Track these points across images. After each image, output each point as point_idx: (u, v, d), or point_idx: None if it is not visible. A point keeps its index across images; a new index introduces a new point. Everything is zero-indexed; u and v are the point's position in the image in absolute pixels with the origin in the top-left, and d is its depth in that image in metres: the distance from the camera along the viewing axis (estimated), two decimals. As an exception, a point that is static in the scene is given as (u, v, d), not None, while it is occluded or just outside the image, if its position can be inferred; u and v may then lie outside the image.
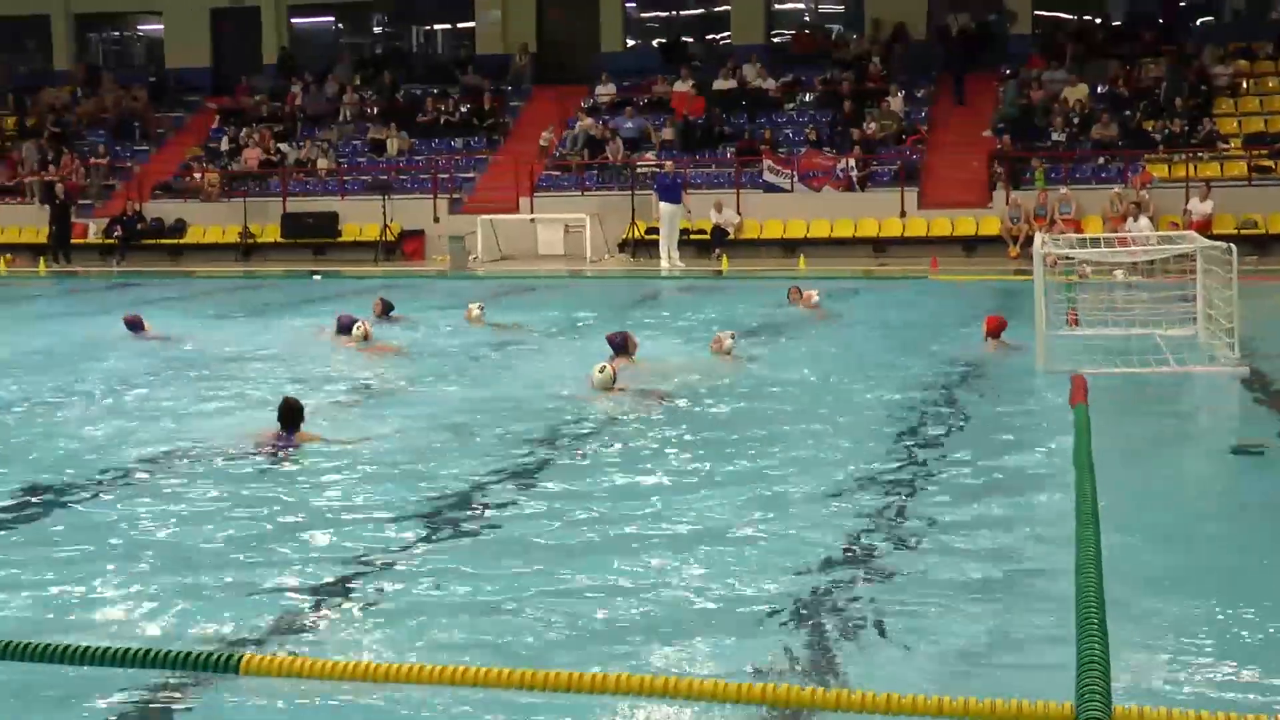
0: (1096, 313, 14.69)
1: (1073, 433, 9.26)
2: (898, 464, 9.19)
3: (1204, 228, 22.77)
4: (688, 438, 9.99)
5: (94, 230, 31.05)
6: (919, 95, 31.02)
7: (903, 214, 27.47)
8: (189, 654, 5.04)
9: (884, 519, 7.78)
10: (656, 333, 15.77)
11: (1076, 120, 28.23)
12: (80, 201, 31.32)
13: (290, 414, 9.76)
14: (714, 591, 6.42)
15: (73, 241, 30.31)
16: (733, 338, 13.78)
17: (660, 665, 5.45)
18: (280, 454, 9.47)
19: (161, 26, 38.24)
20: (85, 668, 5.18)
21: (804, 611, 6.10)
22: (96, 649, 5.14)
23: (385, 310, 16.81)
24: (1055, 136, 28.19)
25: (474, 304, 17.05)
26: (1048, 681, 4.91)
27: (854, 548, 7.14)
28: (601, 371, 11.36)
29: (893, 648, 5.71)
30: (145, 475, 9.12)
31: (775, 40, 34.53)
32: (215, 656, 4.93)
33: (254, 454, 9.51)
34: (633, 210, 27.96)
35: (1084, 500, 7.16)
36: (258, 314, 19.31)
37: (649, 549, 7.12)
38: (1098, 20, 32.88)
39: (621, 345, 12.82)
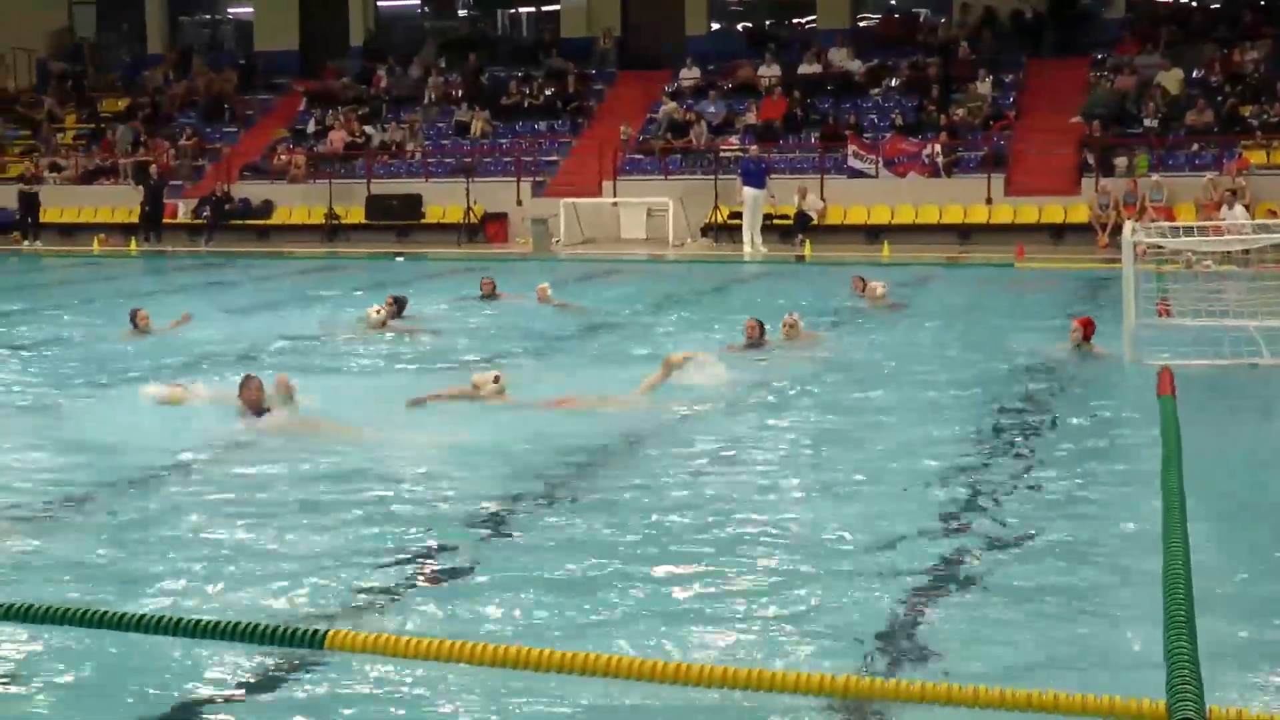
0: (1188, 303, 14.44)
1: (1160, 426, 9.14)
2: (978, 454, 9.10)
3: (1301, 216, 22.36)
4: (757, 431, 9.92)
5: (183, 210, 31.48)
6: (1007, 80, 30.67)
7: (989, 200, 27.19)
8: (276, 628, 5.08)
9: (966, 510, 7.70)
10: (739, 317, 15.70)
11: (1166, 107, 27.77)
12: (171, 182, 31.73)
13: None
14: (790, 583, 6.39)
15: (163, 221, 30.73)
16: (793, 324, 13.58)
17: (742, 656, 5.43)
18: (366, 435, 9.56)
19: (251, 10, 38.66)
20: (172, 638, 5.26)
21: (886, 605, 6.05)
22: (184, 620, 5.21)
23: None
24: (1148, 123, 27.76)
25: (543, 284, 17.20)
26: (1136, 678, 4.85)
27: (937, 540, 7.07)
28: (496, 380, 10.47)
29: (978, 642, 5.65)
30: (224, 451, 9.22)
31: (861, 24, 34.27)
32: (301, 631, 4.98)
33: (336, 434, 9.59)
34: (715, 195, 27.90)
35: (1171, 495, 7.06)
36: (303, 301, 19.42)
37: (723, 539, 7.09)
38: (1194, 3, 32.31)
39: None
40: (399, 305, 15.77)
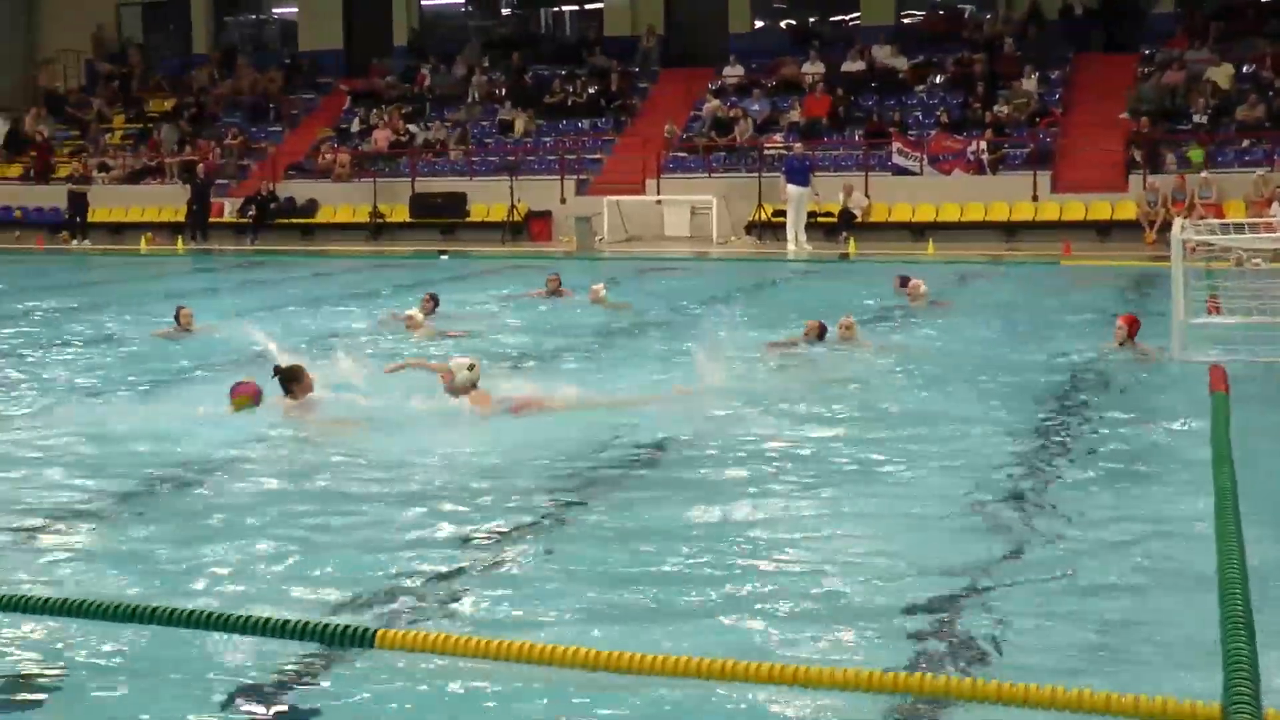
0: (1238, 300, 14.31)
1: (1210, 423, 9.05)
2: (1025, 453, 9.03)
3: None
4: (803, 429, 9.88)
5: (229, 209, 31.68)
6: (1053, 76, 30.48)
7: (1035, 198, 27.03)
8: (326, 626, 5.10)
9: (1013, 508, 7.64)
10: (780, 315, 15.68)
11: (1215, 102, 27.53)
12: (217, 181, 31.94)
13: (286, 380, 9.97)
14: (840, 580, 6.36)
15: (210, 220, 30.93)
16: (848, 327, 13.56)
17: (791, 654, 5.40)
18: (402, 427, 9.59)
19: (296, 10, 38.86)
20: (222, 634, 5.29)
21: (935, 603, 6.02)
22: (234, 616, 5.24)
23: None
24: (1196, 118, 27.52)
25: (598, 284, 17.21)
26: (1190, 679, 4.80)
27: (984, 538, 7.02)
28: (471, 369, 10.20)
29: (1028, 641, 5.61)
30: (271, 447, 9.27)
31: (905, 21, 34.13)
32: (351, 629, 4.99)
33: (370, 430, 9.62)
34: (759, 192, 27.86)
35: (1223, 493, 6.98)
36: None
37: (769, 537, 7.08)
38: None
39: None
40: (435, 303, 15.84)
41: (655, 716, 4.86)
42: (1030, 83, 29.63)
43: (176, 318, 14.59)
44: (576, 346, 14.19)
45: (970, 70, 30.53)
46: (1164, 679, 4.93)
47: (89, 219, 31.30)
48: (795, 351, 13.06)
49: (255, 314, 16.60)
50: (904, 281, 17.07)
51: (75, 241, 30.71)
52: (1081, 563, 6.59)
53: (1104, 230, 26.24)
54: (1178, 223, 13.47)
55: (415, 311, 15.02)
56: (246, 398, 9.96)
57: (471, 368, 10.20)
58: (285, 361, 10.49)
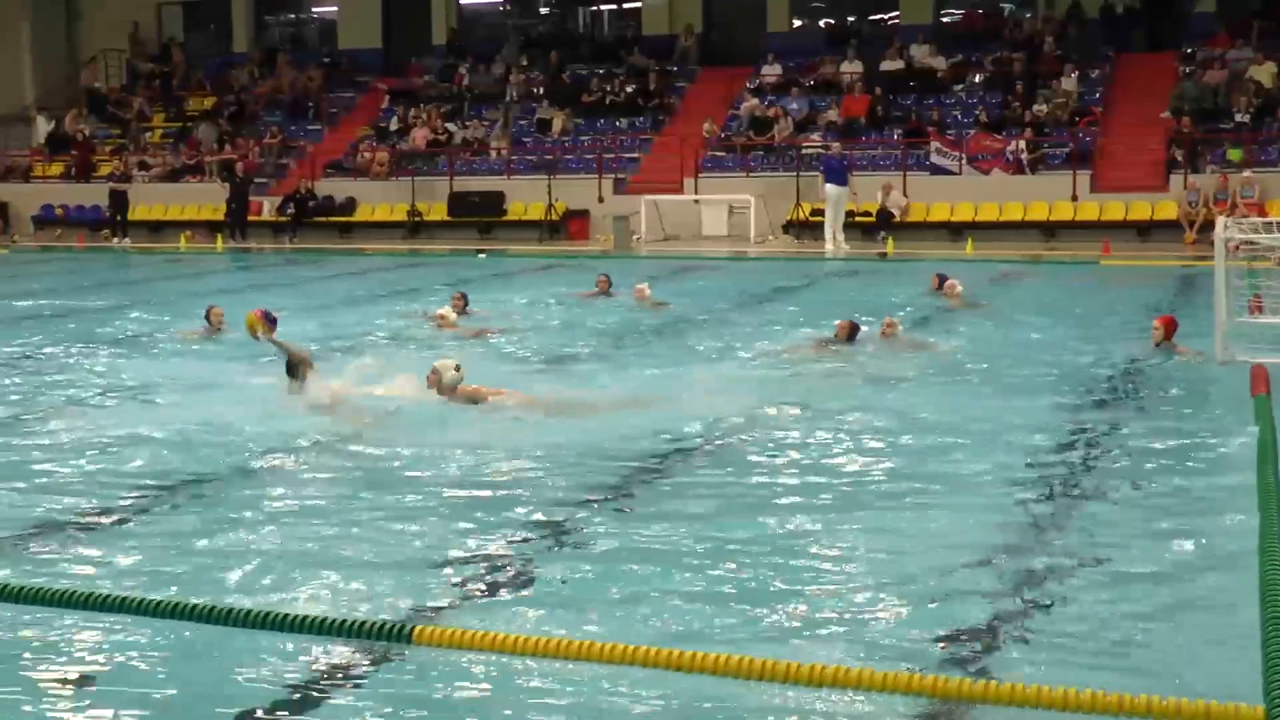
0: (1281, 300, 14.18)
1: (1255, 424, 8.99)
2: (1066, 454, 8.98)
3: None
4: (838, 430, 9.85)
5: (268, 208, 31.83)
6: (1093, 75, 30.30)
7: (1074, 197, 26.89)
8: (363, 622, 5.13)
9: (1052, 509, 7.60)
10: (822, 315, 15.65)
11: (1258, 101, 27.31)
12: (256, 180, 32.09)
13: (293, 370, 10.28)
14: (875, 580, 6.33)
15: (249, 219, 31.08)
16: (892, 325, 13.52)
17: (822, 653, 5.38)
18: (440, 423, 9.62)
19: (335, 9, 39.00)
20: (260, 631, 5.31)
21: (974, 606, 5.98)
22: (272, 614, 5.27)
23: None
24: (1239, 117, 27.31)
25: (643, 283, 17.16)
26: (1232, 683, 4.77)
27: (1023, 539, 6.98)
28: (458, 369, 10.29)
29: (1068, 644, 5.57)
30: (308, 445, 9.30)
31: (944, 20, 34.00)
32: (389, 626, 5.00)
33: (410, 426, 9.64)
34: (797, 192, 27.81)
35: (1267, 496, 6.94)
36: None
37: (803, 537, 7.06)
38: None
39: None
40: (465, 301, 15.87)
41: (689, 712, 4.85)
42: (1070, 82, 29.46)
43: (207, 317, 14.64)
44: (607, 345, 14.19)
45: (1009, 69, 30.39)
46: (1205, 682, 4.90)
47: (129, 217, 31.49)
48: (828, 351, 13.02)
49: (293, 312, 16.68)
50: (941, 281, 17.01)
51: (116, 240, 30.91)
52: (1120, 564, 6.54)
53: (1144, 230, 26.06)
54: (1220, 221, 13.37)
55: (446, 310, 15.03)
56: (256, 319, 10.99)
57: (458, 368, 10.26)
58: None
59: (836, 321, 13.51)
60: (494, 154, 31.69)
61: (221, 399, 10.74)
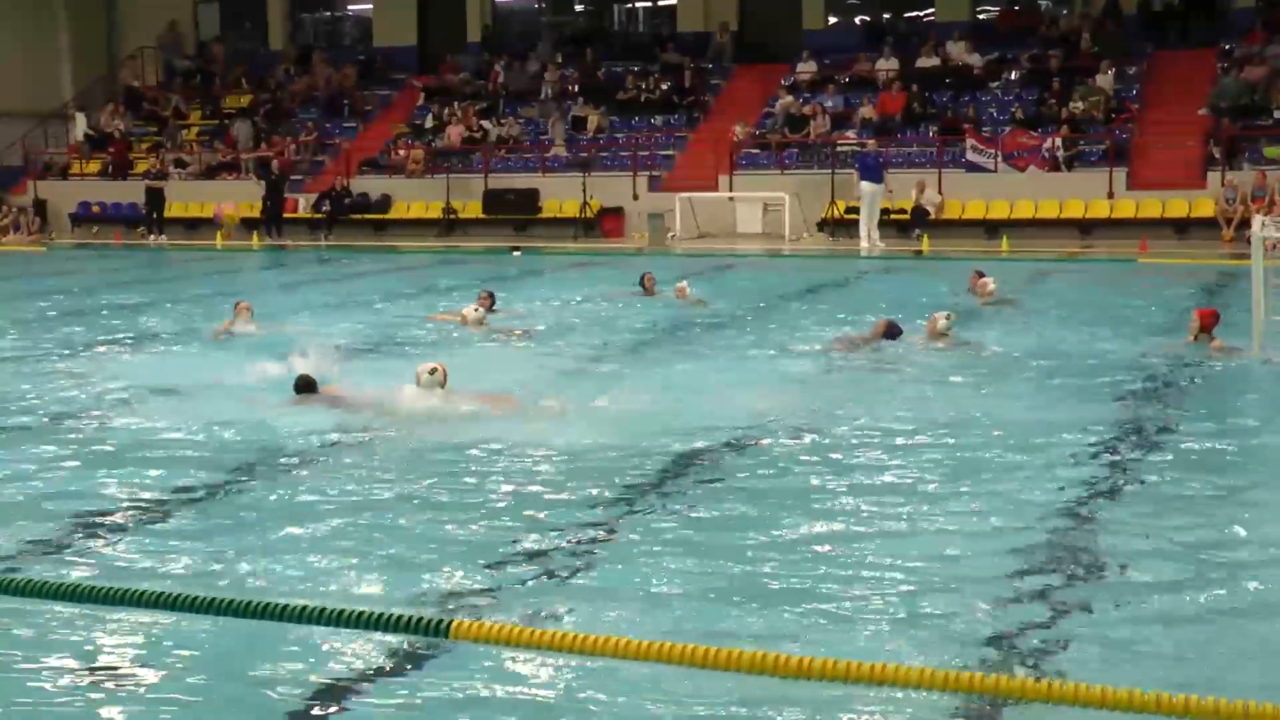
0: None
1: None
2: (1105, 451, 8.93)
3: None
4: (873, 427, 9.83)
5: (304, 205, 31.94)
6: (1130, 72, 30.12)
7: (1110, 195, 26.74)
8: (401, 617, 5.14)
9: (1092, 508, 7.56)
10: (859, 313, 15.63)
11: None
12: (291, 177, 32.21)
13: (305, 388, 10.26)
14: (916, 580, 6.32)
15: (284, 216, 31.20)
16: (948, 318, 13.42)
17: (871, 651, 5.37)
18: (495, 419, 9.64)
19: (370, 6, 39.10)
20: (297, 625, 5.33)
21: (1018, 605, 5.97)
22: (310, 608, 5.28)
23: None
24: (1278, 114, 27.10)
25: (683, 281, 17.06)
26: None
27: (1063, 543, 6.93)
28: (432, 373, 10.25)
29: (1107, 644, 5.55)
30: (346, 440, 9.34)
31: (980, 16, 33.86)
32: (426, 620, 5.02)
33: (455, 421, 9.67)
34: (832, 189, 27.75)
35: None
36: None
37: (845, 534, 7.05)
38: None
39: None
40: (492, 300, 15.89)
41: (730, 711, 4.85)
42: (1106, 79, 29.30)
43: (235, 312, 14.69)
44: (643, 344, 14.19)
45: (1046, 66, 30.25)
46: (1251, 685, 4.87)
47: (165, 214, 31.65)
48: (867, 349, 12.99)
49: (327, 309, 16.78)
50: (981, 277, 16.93)
51: (152, 237, 31.07)
52: (1157, 565, 6.50)
53: (1181, 228, 25.90)
54: (1258, 219, 13.28)
55: (469, 309, 14.97)
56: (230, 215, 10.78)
57: (433, 371, 10.28)
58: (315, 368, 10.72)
59: (872, 320, 13.46)
60: (552, 152, 31.53)
61: (255, 394, 10.77)
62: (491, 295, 15.91)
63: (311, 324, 15.46)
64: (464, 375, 10.68)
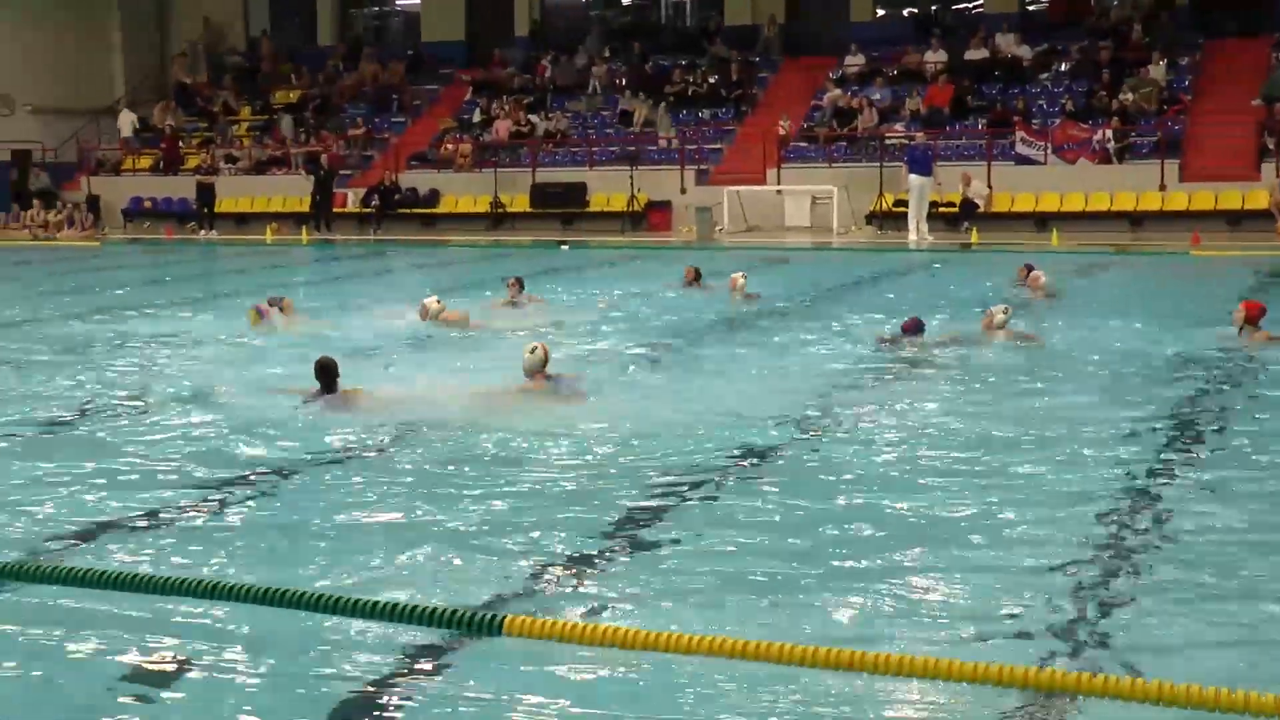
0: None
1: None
2: (1153, 445, 8.86)
3: None
4: (924, 420, 9.79)
5: (352, 200, 32.11)
6: (1182, 63, 29.85)
7: (1162, 187, 26.53)
8: (454, 612, 5.15)
9: (1141, 501, 7.50)
10: (902, 306, 15.56)
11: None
12: (340, 172, 32.38)
13: (325, 373, 10.10)
14: (964, 573, 6.29)
15: (333, 210, 31.37)
16: (1005, 312, 13.29)
17: (923, 645, 5.36)
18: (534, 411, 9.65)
19: (418, 1, 39.23)
20: (350, 619, 5.36)
21: (1066, 599, 5.93)
22: (363, 601, 5.31)
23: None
24: (1331, 105, 26.83)
25: (738, 274, 16.95)
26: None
27: (1109, 543, 6.86)
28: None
29: (1154, 641, 5.51)
30: (391, 432, 9.38)
31: (1030, 8, 33.65)
32: (480, 616, 5.03)
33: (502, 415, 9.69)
34: (880, 182, 27.65)
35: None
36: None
37: (893, 529, 7.02)
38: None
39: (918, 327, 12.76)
40: (521, 286, 16.16)
41: (779, 704, 4.85)
42: (1158, 70, 29.05)
43: (280, 307, 14.74)
44: (698, 335, 14.19)
45: (1096, 57, 30.02)
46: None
47: (216, 209, 31.89)
48: (916, 344, 12.91)
49: (374, 302, 16.86)
50: (1029, 271, 16.84)
51: (202, 232, 31.31)
52: (1200, 568, 6.43)
53: (1234, 220, 25.68)
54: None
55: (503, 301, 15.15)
56: (254, 315, 13.20)
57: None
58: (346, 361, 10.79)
59: (906, 319, 13.28)
60: (664, 142, 31.38)
61: (302, 388, 10.82)
62: (520, 281, 16.20)
63: (360, 318, 15.53)
64: (513, 365, 10.69)
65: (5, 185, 34.97)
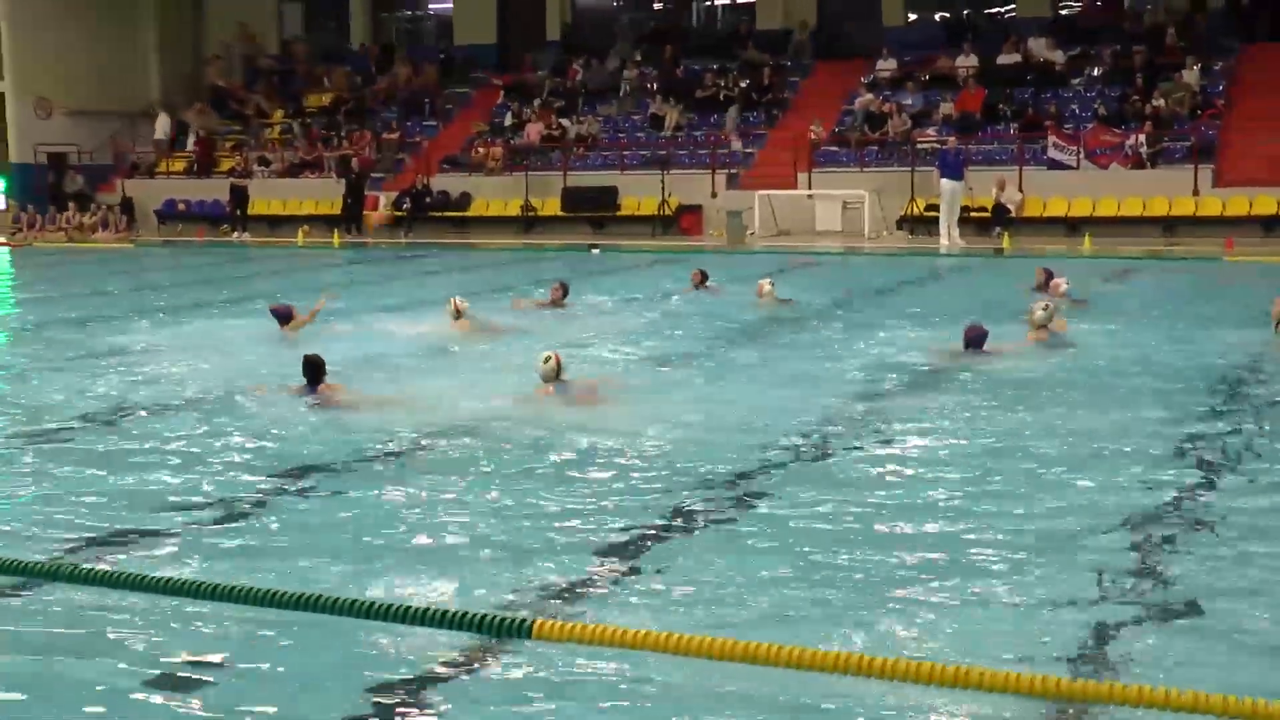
0: None
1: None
2: (1187, 451, 8.81)
3: None
4: (952, 425, 9.76)
5: (384, 203, 32.19)
6: (1216, 68, 29.67)
7: (1196, 192, 26.37)
8: (482, 616, 5.16)
9: (1171, 519, 7.44)
10: (930, 311, 15.51)
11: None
12: (372, 175, 32.48)
13: (313, 369, 10.34)
14: (993, 579, 6.26)
15: (365, 213, 31.46)
16: (1045, 309, 13.11)
17: (949, 653, 5.33)
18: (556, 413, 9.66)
19: (451, 5, 39.32)
20: (378, 623, 5.38)
21: (1099, 607, 5.90)
22: (391, 605, 5.32)
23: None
24: (1367, 111, 26.64)
25: (765, 280, 16.91)
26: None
27: (1141, 548, 6.84)
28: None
29: (1183, 647, 5.48)
30: (437, 442, 9.40)
31: (1062, 12, 33.51)
32: (508, 620, 5.03)
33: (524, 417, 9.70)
34: (912, 187, 27.58)
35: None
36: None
37: (941, 534, 6.99)
38: None
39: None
40: (565, 290, 16.30)
41: (813, 711, 4.84)
42: (1192, 75, 28.89)
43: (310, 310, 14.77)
44: (726, 342, 14.18)
45: (1129, 62, 29.86)
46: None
47: (249, 212, 32.02)
48: (956, 352, 12.80)
49: (404, 304, 16.91)
50: (1049, 277, 16.60)
51: (235, 234, 31.45)
52: (1232, 573, 6.39)
53: (1269, 225, 25.50)
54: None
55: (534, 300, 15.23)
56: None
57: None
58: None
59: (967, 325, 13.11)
60: (733, 148, 31.40)
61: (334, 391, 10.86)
62: (564, 286, 16.35)
63: (391, 321, 15.58)
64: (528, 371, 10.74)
65: (43, 187, 35.20)
